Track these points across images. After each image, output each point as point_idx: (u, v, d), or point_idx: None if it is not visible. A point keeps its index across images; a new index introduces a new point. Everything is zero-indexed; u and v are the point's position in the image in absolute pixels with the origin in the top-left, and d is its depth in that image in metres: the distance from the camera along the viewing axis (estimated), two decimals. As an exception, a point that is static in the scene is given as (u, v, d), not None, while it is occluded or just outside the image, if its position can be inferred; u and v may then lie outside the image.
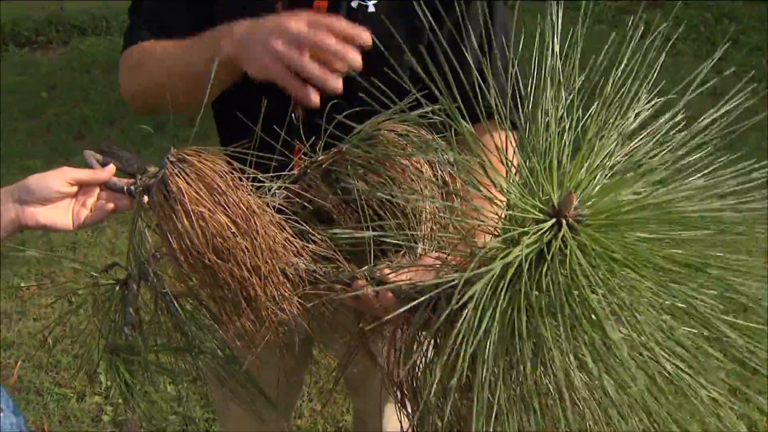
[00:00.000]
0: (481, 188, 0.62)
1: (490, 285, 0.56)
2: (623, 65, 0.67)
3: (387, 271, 0.74)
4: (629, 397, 0.54)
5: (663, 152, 0.63)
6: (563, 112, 0.65)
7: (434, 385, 0.58)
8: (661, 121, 0.65)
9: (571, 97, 0.66)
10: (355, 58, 0.88)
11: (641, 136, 0.65)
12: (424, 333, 0.67)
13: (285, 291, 0.75)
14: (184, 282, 0.76)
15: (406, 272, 0.73)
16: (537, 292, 0.57)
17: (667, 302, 0.55)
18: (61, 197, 0.86)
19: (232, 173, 0.75)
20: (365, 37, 0.88)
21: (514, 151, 0.67)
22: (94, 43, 5.39)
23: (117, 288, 0.85)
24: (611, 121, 0.64)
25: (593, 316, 0.54)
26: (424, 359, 0.71)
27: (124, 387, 0.78)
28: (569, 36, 0.67)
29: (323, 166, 0.92)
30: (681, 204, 0.57)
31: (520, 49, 0.96)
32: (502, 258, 0.56)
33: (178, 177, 0.72)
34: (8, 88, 4.67)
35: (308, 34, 0.86)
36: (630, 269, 0.55)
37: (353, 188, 0.86)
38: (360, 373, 0.93)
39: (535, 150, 0.63)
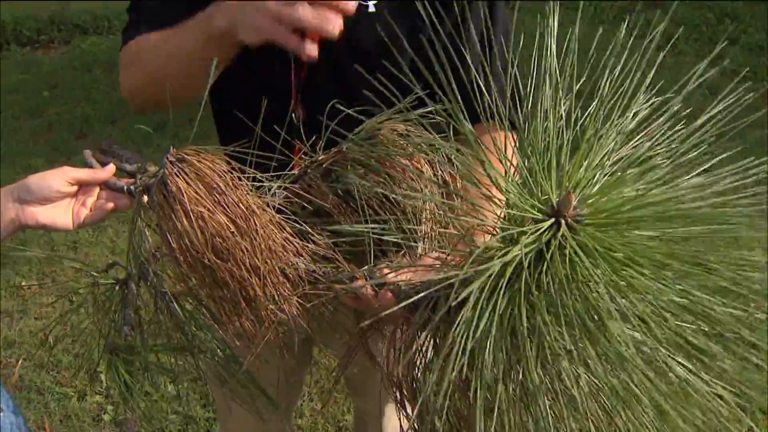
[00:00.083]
0: (481, 187, 0.62)
1: (488, 284, 0.56)
2: (622, 64, 0.67)
3: (387, 271, 0.74)
4: (631, 394, 0.53)
5: (662, 150, 0.63)
6: (562, 112, 0.65)
7: (433, 385, 0.58)
8: (661, 119, 0.65)
9: (569, 96, 0.65)
10: (348, 5, 0.88)
11: (640, 135, 0.65)
12: (423, 333, 0.67)
13: (284, 291, 0.75)
14: (184, 282, 0.76)
15: (406, 272, 0.72)
16: (537, 292, 0.57)
17: (667, 299, 0.55)
18: (61, 197, 0.86)
19: (232, 173, 0.75)
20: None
21: (514, 151, 0.67)
22: (95, 43, 5.40)
23: (117, 288, 0.85)
24: (610, 119, 0.64)
25: (594, 315, 0.54)
26: (423, 359, 0.71)
27: (124, 387, 0.78)
28: (568, 36, 0.66)
29: (323, 165, 0.92)
30: (680, 201, 0.57)
31: (519, 49, 0.96)
32: (500, 257, 0.56)
33: (178, 177, 0.72)
34: (10, 87, 4.68)
35: None
36: (630, 267, 0.55)
37: (353, 187, 0.86)
38: (360, 373, 0.93)
39: (534, 149, 0.63)
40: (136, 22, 1.09)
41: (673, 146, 0.63)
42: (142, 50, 1.05)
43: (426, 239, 0.81)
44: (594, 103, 0.65)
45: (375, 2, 1.04)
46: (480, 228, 0.66)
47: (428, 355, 0.71)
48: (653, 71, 0.69)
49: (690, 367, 0.56)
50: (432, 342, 0.68)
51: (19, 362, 2.39)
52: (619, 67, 0.66)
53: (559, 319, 0.55)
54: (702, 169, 0.62)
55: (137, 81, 1.07)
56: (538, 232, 0.57)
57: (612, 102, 0.65)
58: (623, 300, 0.55)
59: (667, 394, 0.54)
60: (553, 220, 0.59)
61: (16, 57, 5.29)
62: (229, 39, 0.92)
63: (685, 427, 0.54)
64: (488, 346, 0.55)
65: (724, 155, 0.63)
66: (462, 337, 0.55)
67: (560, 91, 0.65)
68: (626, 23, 0.68)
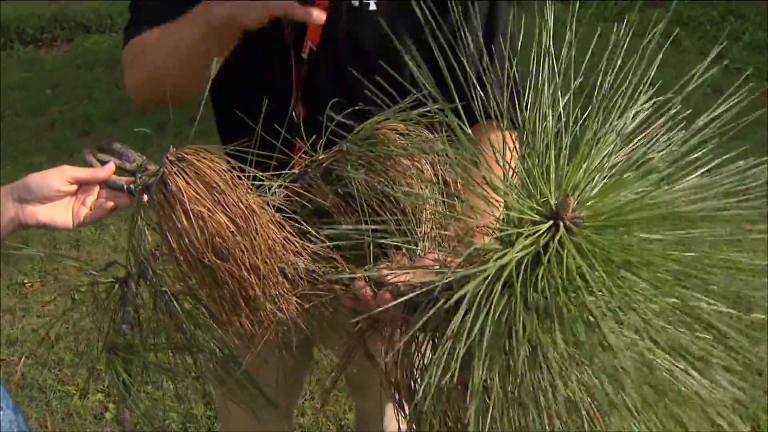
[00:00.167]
0: (479, 189, 0.62)
1: (484, 286, 0.56)
2: (624, 63, 0.66)
3: (386, 271, 0.74)
4: (627, 398, 0.53)
5: (662, 151, 0.63)
6: (560, 113, 0.64)
7: (431, 386, 0.57)
8: (661, 120, 0.64)
9: (567, 96, 0.65)
10: None
11: (641, 136, 0.64)
12: (422, 334, 0.67)
13: (284, 291, 0.75)
14: (184, 281, 0.76)
15: (405, 273, 0.72)
16: (534, 294, 0.56)
17: (666, 303, 0.54)
18: (61, 196, 0.85)
19: (231, 172, 0.75)
20: None
21: (514, 150, 0.66)
22: (98, 41, 5.40)
23: (116, 286, 0.85)
24: (610, 121, 0.64)
25: (590, 318, 0.54)
26: (422, 360, 0.70)
27: (122, 385, 0.78)
28: (568, 36, 0.66)
29: (324, 165, 0.92)
30: (681, 204, 0.57)
31: (518, 49, 0.95)
32: (496, 259, 0.56)
33: (177, 176, 0.72)
34: (13, 86, 4.69)
35: None
36: (628, 271, 0.55)
37: (353, 187, 0.86)
38: (361, 372, 0.93)
39: (533, 151, 0.63)
40: (137, 21, 1.09)
41: (674, 148, 0.63)
42: (143, 48, 1.05)
43: (426, 239, 0.80)
44: (593, 105, 0.65)
45: (376, 0, 1.04)
46: (479, 230, 0.65)
47: (426, 356, 0.71)
48: (654, 69, 0.68)
49: (690, 371, 0.55)
50: (430, 343, 0.68)
51: (22, 360, 2.40)
52: (619, 67, 0.66)
53: (554, 322, 0.54)
54: (703, 170, 0.61)
55: (140, 79, 1.06)
56: (536, 235, 0.57)
57: (612, 102, 0.65)
58: (619, 302, 0.54)
59: (664, 398, 0.54)
60: (551, 222, 0.58)
61: (18, 55, 5.29)
62: (230, 27, 0.92)
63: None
64: (482, 349, 0.55)
65: (725, 156, 0.62)
66: (456, 339, 0.55)
67: (559, 92, 0.64)
68: (625, 23, 0.67)
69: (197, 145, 0.77)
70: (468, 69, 0.71)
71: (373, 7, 1.04)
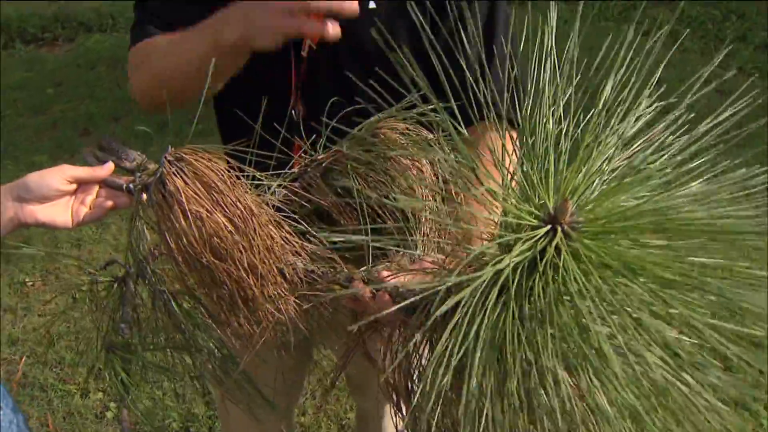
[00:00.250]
0: (479, 193, 0.61)
1: (480, 291, 0.55)
2: (626, 65, 0.65)
3: (385, 272, 0.74)
4: (621, 407, 0.52)
5: (664, 156, 0.62)
6: (560, 115, 0.64)
7: (426, 389, 0.57)
8: (662, 124, 0.64)
9: (567, 98, 0.64)
10: (353, 7, 0.87)
11: (642, 140, 0.63)
12: (419, 336, 0.66)
13: (282, 291, 0.75)
14: (182, 281, 0.76)
15: (404, 274, 0.72)
16: (529, 300, 0.56)
17: (662, 311, 0.54)
18: (60, 195, 0.85)
19: (230, 171, 0.75)
20: None
21: (513, 151, 0.66)
22: (99, 40, 5.40)
23: (115, 285, 0.85)
24: (611, 124, 0.63)
25: (585, 325, 0.53)
26: (419, 362, 0.70)
27: (120, 385, 0.78)
28: (569, 37, 0.65)
29: (323, 164, 0.92)
30: (680, 210, 0.56)
31: (520, 49, 0.95)
32: (493, 264, 0.55)
33: (176, 176, 0.72)
34: (15, 85, 4.69)
35: None
36: (625, 278, 0.54)
37: (352, 189, 0.86)
38: (361, 372, 0.93)
39: (533, 154, 0.62)
40: (143, 21, 1.09)
41: (676, 152, 0.62)
42: (151, 54, 1.05)
43: (425, 240, 0.80)
44: (595, 108, 0.64)
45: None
46: (476, 234, 0.65)
47: (424, 358, 0.70)
48: (659, 70, 0.68)
49: (686, 378, 0.55)
50: (428, 345, 0.68)
51: (23, 359, 2.40)
52: (623, 67, 0.65)
53: (547, 328, 0.54)
54: (705, 177, 0.61)
55: (146, 84, 1.07)
56: (534, 239, 0.56)
57: (614, 105, 0.64)
58: (614, 309, 0.54)
59: (659, 407, 0.53)
60: (549, 227, 0.58)
61: (20, 54, 5.30)
62: (241, 49, 0.91)
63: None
64: (476, 355, 0.54)
65: (725, 162, 0.62)
66: (451, 344, 0.54)
67: (560, 94, 0.64)
68: (626, 27, 0.67)
69: (197, 144, 0.77)
70: (467, 70, 0.70)
71: (372, 5, 1.03)
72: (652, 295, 0.54)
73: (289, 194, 0.88)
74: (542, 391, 0.54)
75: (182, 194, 0.70)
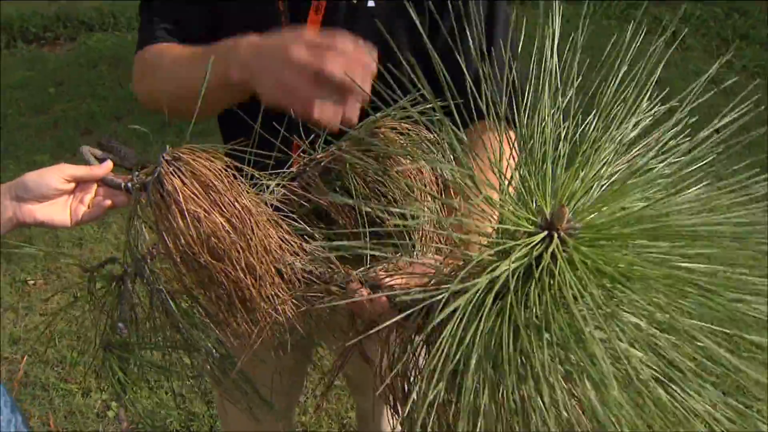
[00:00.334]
0: (477, 202, 0.61)
1: (475, 299, 0.55)
2: (628, 65, 0.65)
3: (382, 274, 0.73)
4: (617, 415, 0.52)
5: (665, 161, 0.61)
6: (559, 119, 0.63)
7: (421, 394, 0.57)
8: (663, 129, 0.63)
9: (566, 100, 0.64)
10: (353, 116, 0.83)
11: (641, 144, 0.63)
12: (416, 338, 0.66)
13: (280, 291, 0.75)
14: (180, 280, 0.75)
15: (402, 277, 0.72)
16: (525, 307, 0.55)
17: (659, 319, 0.53)
18: (59, 194, 0.85)
19: (227, 170, 0.75)
20: (370, 56, 0.83)
21: (511, 155, 0.65)
22: (101, 39, 5.40)
23: (113, 284, 0.85)
24: (610, 128, 0.62)
25: (580, 333, 0.52)
26: (416, 365, 0.70)
27: (117, 384, 0.78)
28: (570, 38, 0.64)
29: (322, 164, 0.92)
30: (679, 217, 0.55)
31: (519, 50, 0.95)
32: (488, 272, 0.55)
33: (173, 176, 0.71)
34: (16, 84, 4.69)
35: (312, 62, 0.81)
36: (621, 285, 0.53)
37: (351, 186, 0.85)
38: (360, 372, 0.93)
39: (530, 158, 0.62)
40: (150, 22, 1.08)
41: (676, 156, 0.61)
42: (157, 69, 1.04)
43: (423, 243, 0.80)
44: (594, 111, 0.63)
45: (375, -1, 1.03)
46: (473, 240, 0.64)
47: (422, 357, 0.70)
48: (659, 70, 0.67)
49: (682, 388, 0.54)
50: (425, 348, 0.67)
51: (24, 358, 2.40)
52: (625, 67, 0.64)
53: (542, 337, 0.53)
54: (705, 183, 0.60)
55: (150, 94, 1.07)
56: (530, 246, 0.56)
57: (614, 107, 0.63)
58: (609, 317, 0.53)
59: (654, 416, 0.53)
60: (545, 233, 0.57)
61: (22, 54, 5.30)
62: (246, 88, 0.89)
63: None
64: (471, 362, 0.54)
65: (726, 167, 0.61)
66: (446, 350, 0.54)
67: (559, 97, 0.63)
68: (633, 21, 0.66)
69: (198, 144, 0.77)
70: (467, 68, 0.70)
71: (371, 4, 1.03)
72: (649, 303, 0.53)
73: (288, 193, 0.88)
74: (538, 398, 0.54)
75: (180, 194, 0.70)
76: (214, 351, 0.83)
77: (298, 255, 0.78)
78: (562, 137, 0.63)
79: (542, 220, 0.58)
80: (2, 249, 2.48)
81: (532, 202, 0.60)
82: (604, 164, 0.61)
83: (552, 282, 0.54)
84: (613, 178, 0.61)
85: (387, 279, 0.72)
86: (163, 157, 0.74)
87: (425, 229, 0.80)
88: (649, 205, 0.57)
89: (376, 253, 0.73)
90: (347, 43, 0.82)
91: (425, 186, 0.85)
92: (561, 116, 0.64)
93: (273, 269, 0.74)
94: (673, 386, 0.54)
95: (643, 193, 0.60)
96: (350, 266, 0.78)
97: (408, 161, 0.87)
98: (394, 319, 0.60)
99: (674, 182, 0.61)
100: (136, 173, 0.82)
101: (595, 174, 0.61)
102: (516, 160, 0.64)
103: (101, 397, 2.24)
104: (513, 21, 1.06)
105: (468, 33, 0.93)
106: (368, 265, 0.75)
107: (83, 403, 2.22)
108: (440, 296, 0.58)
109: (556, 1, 0.67)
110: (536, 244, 0.56)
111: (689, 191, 0.59)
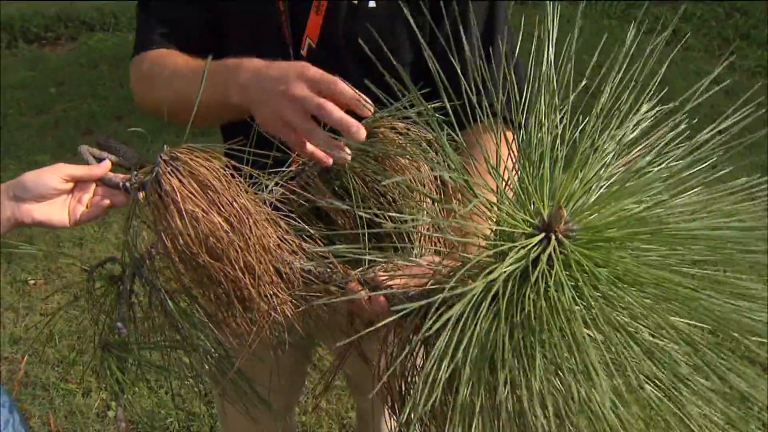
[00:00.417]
0: (474, 204, 0.60)
1: (472, 303, 0.54)
2: (627, 64, 0.64)
3: (381, 275, 0.73)
4: (613, 419, 0.52)
5: (664, 163, 0.61)
6: (557, 120, 0.63)
7: (418, 396, 0.56)
8: (662, 130, 0.63)
9: (565, 104, 0.64)
10: (345, 156, 0.84)
11: (641, 146, 0.62)
12: (415, 339, 0.66)
13: (279, 291, 0.74)
14: (179, 280, 0.75)
15: (400, 277, 0.71)
16: (522, 309, 0.55)
17: (653, 323, 0.53)
18: (57, 194, 0.85)
19: (225, 169, 0.75)
20: (366, 108, 0.83)
21: (509, 155, 0.65)
22: (102, 39, 5.40)
23: (112, 284, 0.85)
24: (610, 128, 0.62)
25: (573, 336, 0.52)
26: (413, 366, 0.70)
27: (115, 384, 0.78)
28: (569, 38, 0.64)
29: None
30: (677, 220, 0.55)
31: (517, 50, 0.94)
32: (485, 275, 0.54)
33: (171, 175, 0.71)
34: (17, 84, 4.69)
35: (311, 101, 0.81)
36: (617, 288, 0.53)
37: (350, 186, 0.85)
38: (360, 372, 0.93)
39: (528, 159, 0.61)
40: (147, 23, 1.08)
41: (676, 158, 0.61)
42: (154, 75, 1.04)
43: (422, 243, 0.80)
44: (592, 112, 0.63)
45: (375, -1, 1.03)
46: (471, 242, 0.64)
47: (419, 357, 0.70)
48: (658, 68, 0.67)
49: (678, 392, 0.54)
50: (423, 348, 0.67)
51: (25, 358, 2.40)
52: (624, 67, 0.64)
53: (536, 340, 0.53)
54: (704, 186, 0.59)
55: (147, 102, 1.07)
56: (527, 248, 0.55)
57: (613, 108, 0.63)
58: (604, 320, 0.53)
59: (647, 420, 0.52)
60: (543, 235, 0.57)
61: (23, 54, 5.30)
62: (244, 110, 0.89)
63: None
64: (467, 364, 0.53)
65: (726, 169, 0.60)
66: (441, 356, 0.54)
67: (557, 98, 0.63)
68: (634, 21, 0.66)
69: (197, 143, 0.76)
70: (466, 69, 0.70)
71: (372, 5, 1.03)
72: (646, 306, 0.53)
73: (287, 193, 0.88)
74: (534, 401, 0.53)
75: (177, 194, 0.70)
76: (212, 350, 0.83)
77: (297, 254, 0.77)
78: (561, 138, 0.62)
79: (540, 222, 0.57)
80: (2, 249, 2.48)
81: (530, 203, 0.60)
82: (603, 165, 0.61)
83: (549, 284, 0.54)
84: (612, 179, 0.61)
85: (386, 279, 0.71)
86: (160, 157, 0.73)
87: (423, 229, 0.80)
88: (648, 207, 0.56)
89: (375, 258, 0.73)
90: (347, 87, 0.82)
91: (424, 186, 0.84)
92: (559, 117, 0.64)
93: (272, 268, 0.74)
94: (669, 390, 0.54)
95: (642, 195, 0.59)
96: (349, 266, 0.78)
97: (407, 160, 0.87)
98: (391, 318, 0.60)
99: (674, 184, 0.60)
100: (135, 173, 0.82)
101: (594, 174, 0.60)
102: (514, 163, 0.64)
103: (101, 396, 2.24)
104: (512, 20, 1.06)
105: (468, 34, 0.93)
106: (367, 265, 0.75)
107: (83, 403, 2.22)
108: (438, 297, 0.57)
109: (556, 1, 0.67)
110: (533, 246, 0.55)
111: (689, 193, 0.59)
